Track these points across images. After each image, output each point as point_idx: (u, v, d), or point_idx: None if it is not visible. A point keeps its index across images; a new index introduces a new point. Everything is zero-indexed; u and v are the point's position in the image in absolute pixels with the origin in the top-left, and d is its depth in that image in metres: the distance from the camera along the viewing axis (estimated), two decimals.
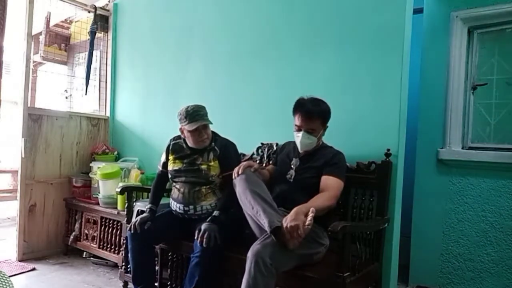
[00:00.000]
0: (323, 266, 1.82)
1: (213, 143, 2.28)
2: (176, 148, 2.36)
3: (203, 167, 2.24)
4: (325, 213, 1.91)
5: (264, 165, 2.50)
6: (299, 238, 1.63)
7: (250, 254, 1.67)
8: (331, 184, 1.89)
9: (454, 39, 2.60)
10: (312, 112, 1.94)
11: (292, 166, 2.06)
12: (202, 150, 2.27)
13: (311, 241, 1.80)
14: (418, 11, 2.60)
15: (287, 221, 1.64)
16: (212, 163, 2.24)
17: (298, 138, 1.99)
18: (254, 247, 1.69)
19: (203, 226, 2.04)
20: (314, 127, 1.95)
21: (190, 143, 2.27)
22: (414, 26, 2.23)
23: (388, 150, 2.07)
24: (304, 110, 1.95)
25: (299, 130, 1.98)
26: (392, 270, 2.14)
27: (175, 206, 2.29)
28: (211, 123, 2.24)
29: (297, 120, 1.98)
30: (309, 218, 1.63)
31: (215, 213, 2.13)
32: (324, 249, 1.88)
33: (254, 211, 1.76)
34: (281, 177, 2.08)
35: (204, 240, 1.98)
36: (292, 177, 2.03)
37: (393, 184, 2.11)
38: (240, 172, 1.90)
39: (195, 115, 2.18)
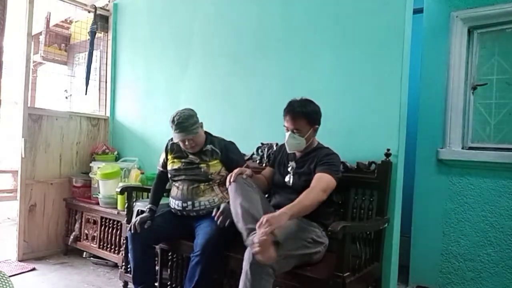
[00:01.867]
0: (323, 266, 1.82)
1: (209, 145, 2.28)
2: (174, 147, 2.37)
3: (202, 165, 2.25)
4: (324, 213, 1.91)
5: (264, 165, 2.50)
6: (266, 253, 1.56)
7: (247, 255, 1.66)
8: (320, 179, 1.86)
9: (454, 39, 2.60)
10: (297, 113, 1.96)
11: (290, 170, 2.06)
12: (198, 151, 2.28)
13: (310, 241, 1.80)
14: (418, 11, 2.60)
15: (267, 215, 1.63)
16: (210, 162, 2.25)
17: (286, 138, 2.02)
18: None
19: (222, 205, 2.12)
20: (300, 127, 1.96)
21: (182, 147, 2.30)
22: (414, 26, 2.23)
23: (388, 150, 2.07)
24: (290, 110, 1.98)
25: (287, 130, 2.01)
26: (392, 270, 2.14)
27: (174, 203, 2.30)
28: (196, 133, 2.21)
29: (285, 121, 2.02)
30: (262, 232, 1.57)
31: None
32: (324, 248, 1.88)
33: (238, 225, 1.80)
34: (280, 182, 2.08)
35: (221, 218, 2.05)
36: (291, 181, 2.03)
37: (393, 184, 2.11)
38: (232, 180, 1.91)
39: (179, 126, 2.17)
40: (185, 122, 2.18)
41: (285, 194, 2.02)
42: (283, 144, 2.20)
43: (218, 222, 2.06)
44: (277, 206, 2.02)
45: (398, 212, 2.16)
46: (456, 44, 2.59)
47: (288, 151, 2.07)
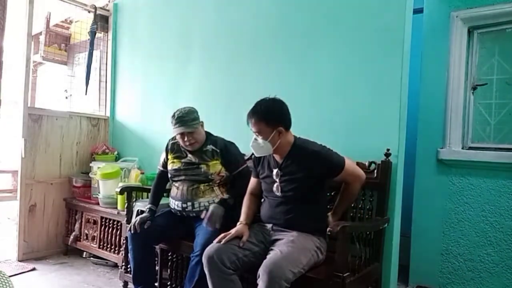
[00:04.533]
0: (323, 266, 1.82)
1: (210, 145, 2.28)
2: (174, 147, 2.38)
3: (202, 166, 2.25)
4: (322, 221, 1.91)
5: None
6: None
7: (265, 277, 1.59)
8: (350, 171, 1.89)
9: (454, 39, 2.60)
10: (254, 114, 1.88)
11: (275, 178, 1.94)
12: (197, 151, 2.28)
13: (316, 250, 1.81)
14: (418, 11, 2.60)
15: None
16: (211, 162, 2.25)
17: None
18: (268, 267, 1.62)
19: (211, 208, 2.13)
20: (259, 130, 1.86)
21: (181, 145, 2.30)
22: (414, 26, 2.23)
23: (388, 150, 2.07)
24: (249, 112, 1.90)
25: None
26: (392, 270, 2.14)
27: (174, 204, 2.30)
28: (196, 128, 2.22)
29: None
30: None
31: (225, 196, 2.20)
32: (325, 252, 1.89)
33: None
34: (268, 191, 1.99)
35: (210, 223, 2.07)
36: (279, 190, 1.92)
37: (393, 184, 2.11)
38: (222, 243, 1.81)
39: (179, 120, 2.19)
40: (185, 116, 2.20)
41: (274, 205, 1.95)
42: None
43: (209, 226, 2.07)
44: (267, 218, 1.99)
45: (398, 212, 2.16)
46: (456, 44, 2.59)
47: (256, 155, 2.00)
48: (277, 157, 1.96)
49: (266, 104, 1.89)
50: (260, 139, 1.87)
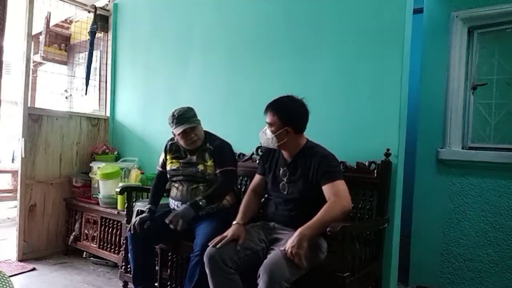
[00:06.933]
0: (323, 266, 1.82)
1: (207, 143, 2.29)
2: (173, 148, 2.39)
3: (200, 166, 2.26)
4: None
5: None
6: (301, 264, 1.63)
7: (265, 277, 1.60)
8: (336, 189, 1.77)
9: (454, 39, 2.60)
10: (269, 106, 1.93)
11: (282, 177, 1.96)
12: (197, 150, 2.29)
13: (317, 252, 1.80)
14: (418, 11, 2.60)
15: (289, 244, 1.64)
16: (207, 163, 2.26)
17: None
18: (268, 267, 1.62)
19: (181, 208, 2.15)
20: (270, 121, 1.90)
21: (182, 145, 2.30)
22: (414, 26, 2.23)
23: (388, 150, 2.07)
24: (268, 103, 1.94)
25: None
26: (392, 270, 2.14)
27: (174, 204, 2.31)
28: (198, 124, 2.25)
29: None
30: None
31: (198, 198, 2.16)
32: (325, 252, 1.89)
33: None
34: (274, 191, 2.00)
35: (173, 223, 2.09)
36: (286, 189, 1.94)
37: (393, 184, 2.11)
38: (217, 247, 1.80)
39: (180, 118, 2.21)
40: (186, 113, 2.23)
41: (278, 204, 1.97)
42: (268, 149, 2.07)
43: (171, 226, 2.10)
44: (270, 216, 1.99)
45: (398, 212, 2.16)
46: (456, 44, 2.59)
47: (262, 144, 2.04)
48: (286, 156, 1.98)
49: (286, 101, 1.93)
50: (268, 131, 1.91)
